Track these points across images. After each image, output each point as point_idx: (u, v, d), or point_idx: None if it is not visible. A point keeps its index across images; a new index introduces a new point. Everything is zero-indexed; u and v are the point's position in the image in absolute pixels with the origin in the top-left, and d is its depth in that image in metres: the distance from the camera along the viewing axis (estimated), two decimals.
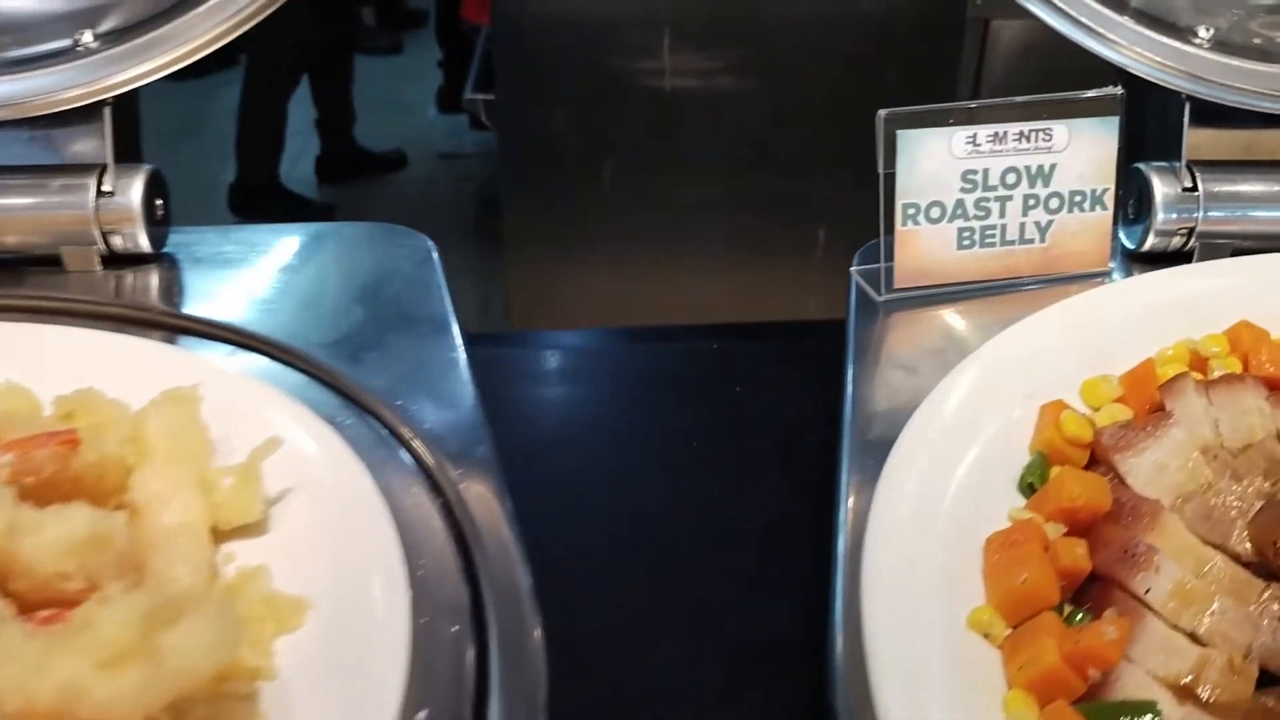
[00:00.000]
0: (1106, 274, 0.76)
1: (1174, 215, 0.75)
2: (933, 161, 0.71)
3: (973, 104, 0.71)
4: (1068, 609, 0.51)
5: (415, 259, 0.78)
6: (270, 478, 0.55)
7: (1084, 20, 0.72)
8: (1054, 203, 0.73)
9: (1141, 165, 0.76)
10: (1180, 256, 0.77)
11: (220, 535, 0.53)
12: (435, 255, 0.78)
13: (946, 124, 0.70)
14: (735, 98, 2.52)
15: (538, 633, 0.50)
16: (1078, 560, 0.51)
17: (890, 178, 0.71)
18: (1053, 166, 0.73)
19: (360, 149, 3.73)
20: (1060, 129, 0.72)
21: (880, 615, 0.49)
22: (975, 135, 0.71)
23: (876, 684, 0.46)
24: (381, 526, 0.52)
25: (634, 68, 2.50)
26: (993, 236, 0.73)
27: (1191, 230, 0.75)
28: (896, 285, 0.73)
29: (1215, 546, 0.53)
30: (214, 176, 3.74)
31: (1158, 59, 0.73)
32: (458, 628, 0.50)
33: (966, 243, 0.73)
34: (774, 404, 0.77)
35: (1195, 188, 0.74)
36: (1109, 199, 0.74)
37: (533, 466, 0.67)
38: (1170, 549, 0.51)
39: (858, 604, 0.49)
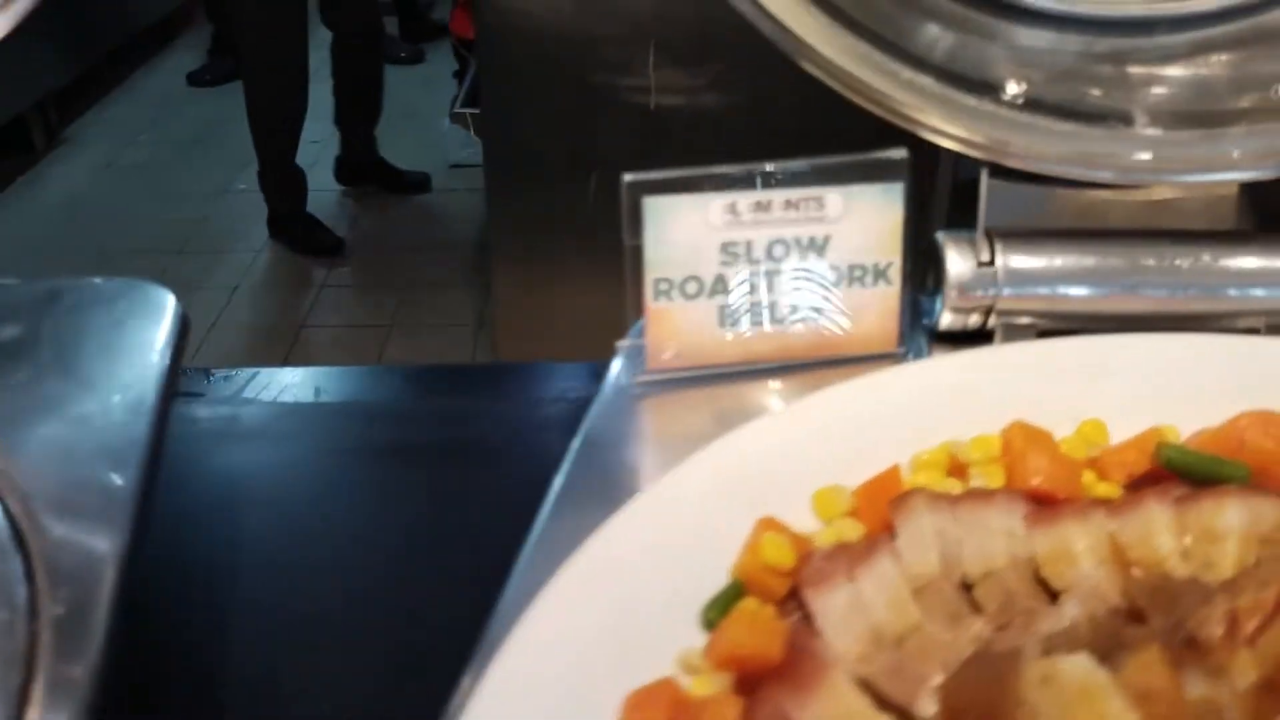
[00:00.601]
0: (899, 356, 0.68)
1: (969, 292, 0.67)
2: (686, 232, 0.63)
3: (733, 168, 0.64)
4: None
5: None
6: None
7: (863, 75, 0.64)
8: (830, 277, 0.66)
9: (940, 234, 0.69)
10: (985, 336, 0.69)
11: None
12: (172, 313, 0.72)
13: (702, 190, 0.63)
14: (719, 113, 2.48)
15: None
16: None
17: (637, 250, 0.63)
18: (827, 238, 0.65)
19: (384, 161, 3.75)
20: (834, 196, 0.64)
21: None
22: (735, 204, 0.64)
23: None
24: None
25: (619, 83, 2.46)
26: (761, 314, 0.66)
27: (990, 308, 0.68)
28: (649, 367, 0.66)
29: (898, 712, 0.46)
30: (228, 183, 3.82)
31: (941, 122, 0.65)
32: None
33: (731, 322, 0.66)
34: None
35: (993, 261, 0.67)
36: (894, 273, 0.67)
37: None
38: (830, 716, 0.44)
39: None
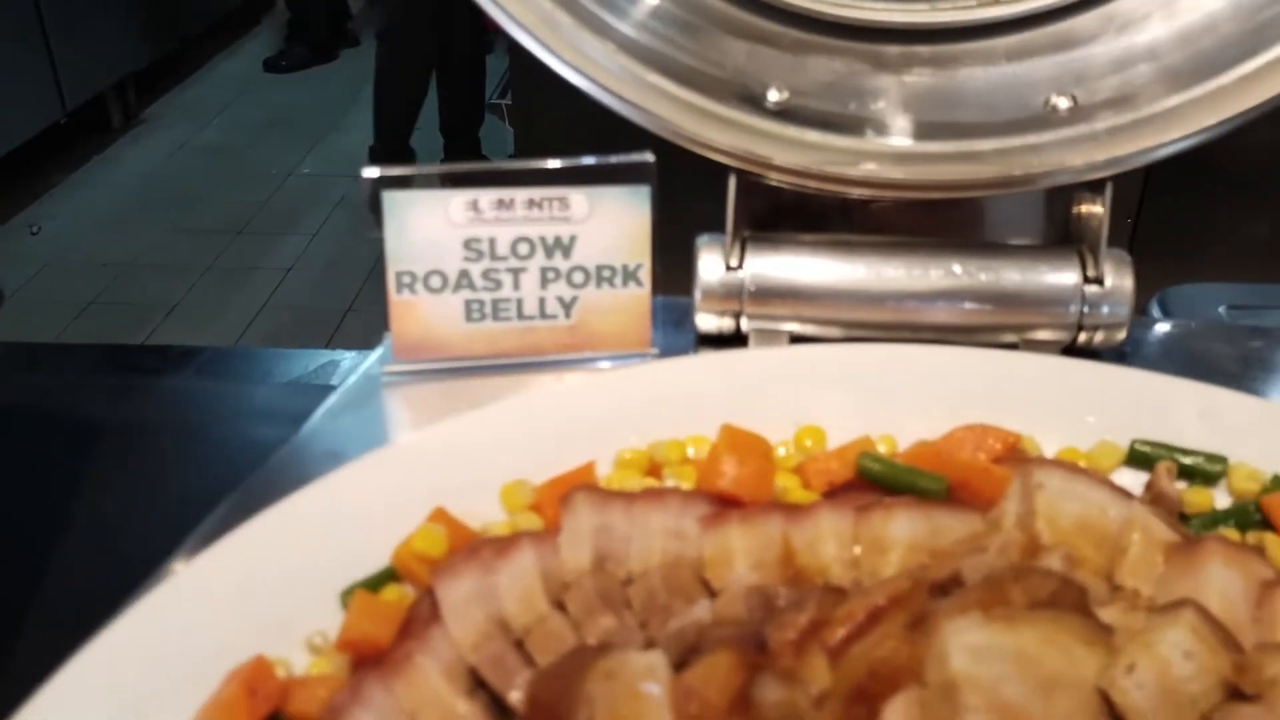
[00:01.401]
0: (651, 356, 0.69)
1: (716, 296, 0.68)
2: (428, 227, 0.65)
3: (477, 166, 0.65)
4: None
5: None
6: None
7: (612, 86, 0.65)
8: (578, 277, 0.67)
9: (701, 237, 0.70)
10: (743, 340, 0.70)
11: None
12: None
13: (440, 186, 0.65)
14: None
15: None
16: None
17: (380, 243, 0.65)
18: (573, 238, 0.66)
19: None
20: (579, 197, 0.66)
21: None
22: (477, 201, 0.65)
23: None
24: None
25: None
26: (508, 311, 0.67)
27: (739, 313, 0.68)
28: (394, 357, 0.67)
29: (495, 700, 0.47)
30: (294, 167, 3.95)
31: (694, 130, 0.65)
32: None
33: (477, 316, 0.67)
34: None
35: (741, 266, 0.67)
36: (644, 275, 0.68)
37: None
38: (410, 700, 0.46)
39: None
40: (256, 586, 0.51)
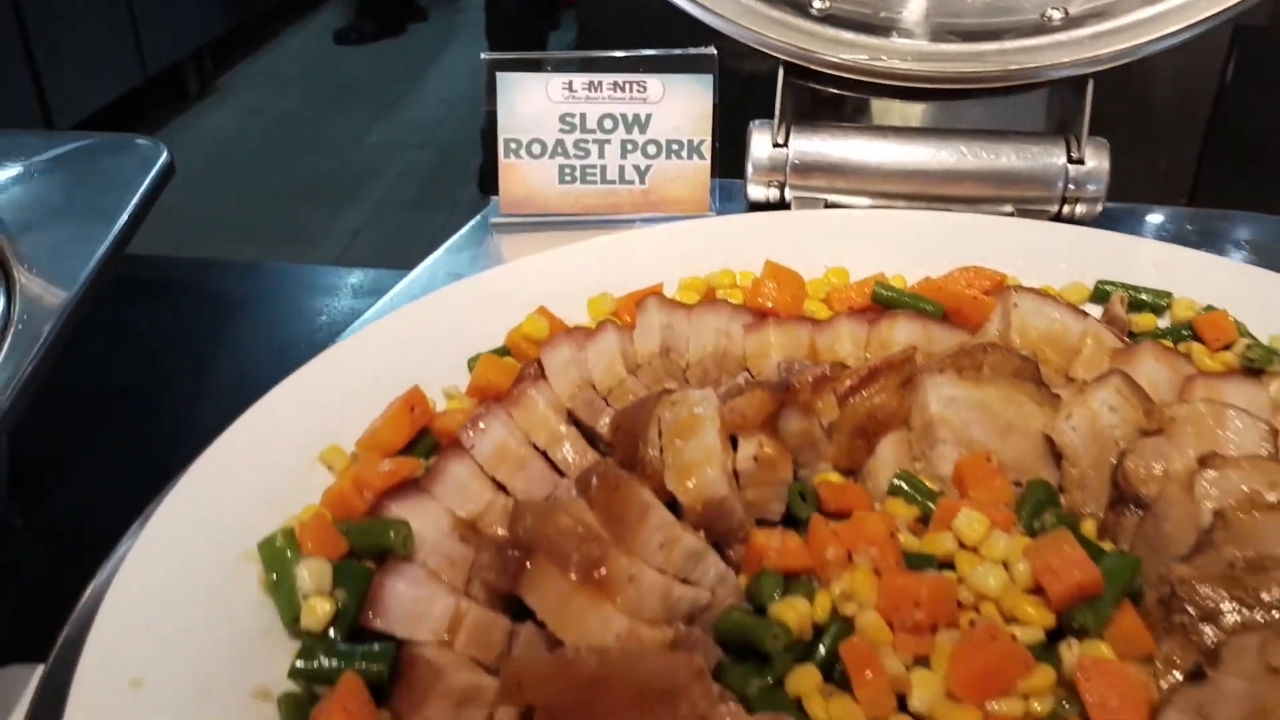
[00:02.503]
0: (710, 217, 0.84)
1: (764, 170, 0.83)
2: (531, 103, 0.81)
3: (573, 54, 0.81)
4: None
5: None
6: None
7: None
8: (651, 149, 0.82)
9: (754, 122, 0.84)
10: (787, 207, 0.85)
11: None
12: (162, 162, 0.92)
13: (544, 70, 0.80)
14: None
15: None
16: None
17: (493, 114, 0.81)
18: (648, 116, 0.82)
19: None
20: (654, 82, 0.81)
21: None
22: (571, 82, 0.80)
23: None
24: None
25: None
26: (594, 175, 0.83)
27: (784, 184, 0.83)
28: (501, 211, 0.83)
29: (580, 425, 0.63)
30: (361, 137, 4.09)
31: (754, 28, 0.80)
32: None
33: (568, 179, 0.83)
34: None
35: (786, 145, 0.82)
36: (706, 150, 0.83)
37: None
38: (525, 422, 0.61)
39: None
40: (406, 353, 0.67)
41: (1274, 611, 0.49)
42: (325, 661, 0.48)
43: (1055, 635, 0.51)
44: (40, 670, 0.51)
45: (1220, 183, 2.54)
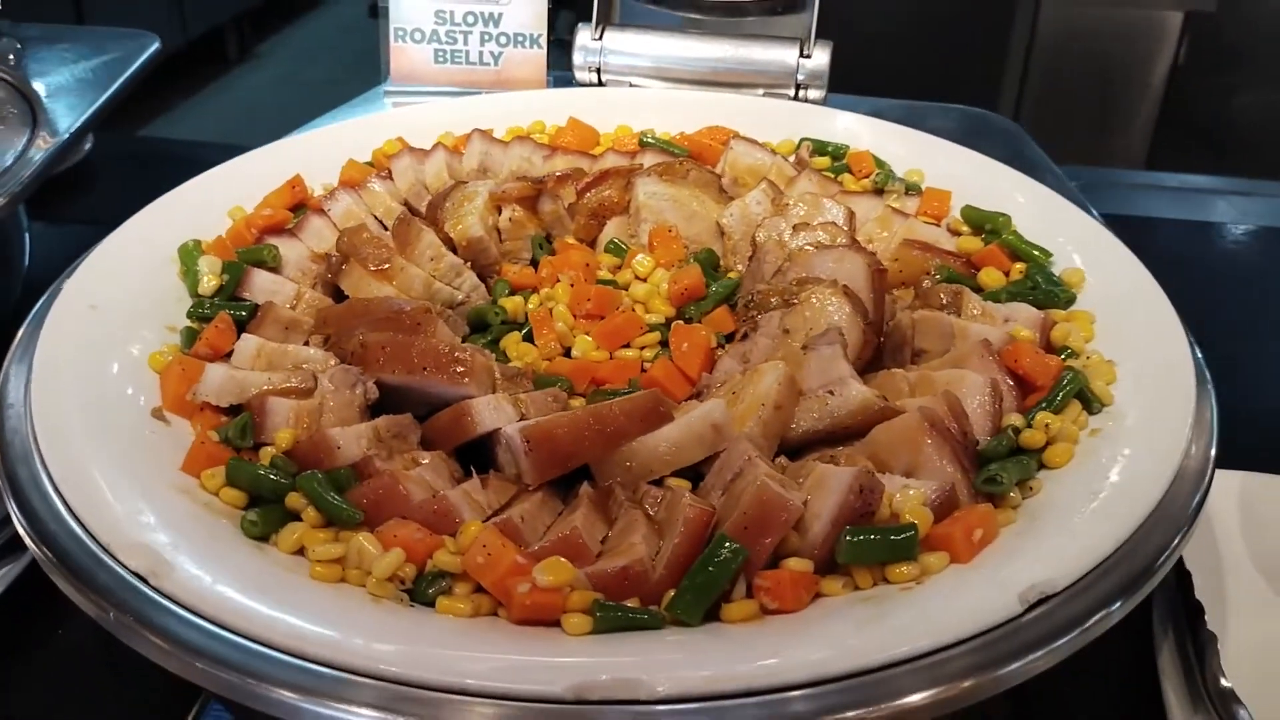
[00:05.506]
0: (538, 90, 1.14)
1: (584, 57, 1.12)
2: (413, 1, 1.11)
3: None
4: None
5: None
6: None
7: None
8: (503, 39, 1.12)
9: (579, 24, 1.14)
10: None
11: None
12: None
13: None
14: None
15: None
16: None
17: (385, 9, 1.11)
18: (500, 15, 1.11)
19: None
20: None
21: None
22: None
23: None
24: None
25: None
26: (460, 57, 1.13)
27: (599, 69, 1.13)
28: (392, 82, 1.13)
29: (411, 209, 0.93)
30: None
31: None
32: None
33: (442, 60, 1.13)
34: None
35: (601, 39, 1.12)
36: (542, 41, 1.13)
37: None
38: (368, 199, 0.92)
39: None
40: (300, 161, 0.97)
41: (792, 300, 0.78)
42: (209, 309, 0.78)
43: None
44: None
45: (1173, 153, 2.84)
